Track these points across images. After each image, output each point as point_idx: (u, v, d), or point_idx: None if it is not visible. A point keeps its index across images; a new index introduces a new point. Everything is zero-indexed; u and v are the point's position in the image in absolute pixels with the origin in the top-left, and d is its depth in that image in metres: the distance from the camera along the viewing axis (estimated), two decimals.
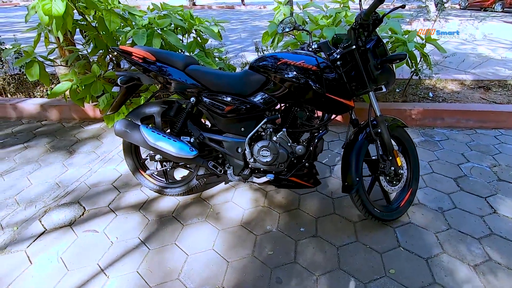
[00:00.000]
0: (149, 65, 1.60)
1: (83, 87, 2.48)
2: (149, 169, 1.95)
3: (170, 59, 1.62)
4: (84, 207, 1.88)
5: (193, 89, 1.60)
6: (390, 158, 1.63)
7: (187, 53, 2.62)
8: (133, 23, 2.48)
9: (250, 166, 1.69)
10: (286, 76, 1.48)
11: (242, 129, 1.63)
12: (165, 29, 2.43)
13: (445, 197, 1.97)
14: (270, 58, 1.54)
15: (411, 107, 2.94)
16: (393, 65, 1.60)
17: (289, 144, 1.63)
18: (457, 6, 14.56)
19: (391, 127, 1.68)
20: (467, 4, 13.90)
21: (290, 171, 1.66)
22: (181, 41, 2.97)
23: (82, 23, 2.60)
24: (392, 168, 1.64)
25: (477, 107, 2.97)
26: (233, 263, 1.51)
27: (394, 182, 1.71)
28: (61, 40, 2.40)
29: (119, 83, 1.62)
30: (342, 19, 2.83)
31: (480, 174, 2.20)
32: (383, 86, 1.57)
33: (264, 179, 1.65)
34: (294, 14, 3.00)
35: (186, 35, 2.91)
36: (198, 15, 2.95)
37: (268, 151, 1.60)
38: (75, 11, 2.39)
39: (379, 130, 1.60)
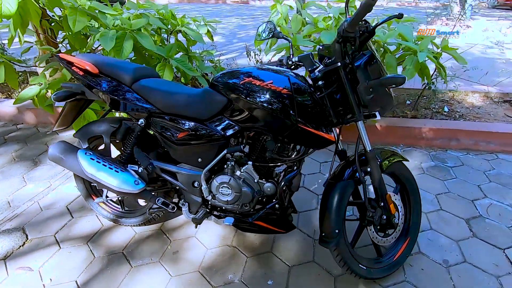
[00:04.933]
0: (91, 78, 1.34)
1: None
2: (100, 196, 1.69)
3: (116, 72, 1.34)
4: (27, 235, 1.65)
5: (140, 109, 1.32)
6: (382, 204, 1.30)
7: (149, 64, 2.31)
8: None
9: (209, 203, 1.41)
10: (248, 99, 1.17)
11: (199, 159, 1.34)
12: (140, 30, 2.16)
13: (453, 246, 1.61)
14: (233, 74, 1.23)
15: (421, 124, 2.56)
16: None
17: (255, 180, 1.32)
18: (484, 5, 13.52)
19: (388, 161, 1.35)
20: (496, 3, 12.88)
21: (257, 212, 1.36)
22: (166, 43, 2.70)
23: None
24: (384, 216, 1.32)
25: (501, 128, 2.54)
26: None
27: (387, 232, 1.38)
28: (22, 40, 2.16)
29: (53, 99, 1.36)
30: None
31: (499, 215, 1.82)
32: (377, 113, 1.25)
33: (222, 221, 1.36)
34: (294, 14, 2.67)
35: (171, 36, 2.63)
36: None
37: (229, 188, 1.31)
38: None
39: (369, 169, 1.27)
